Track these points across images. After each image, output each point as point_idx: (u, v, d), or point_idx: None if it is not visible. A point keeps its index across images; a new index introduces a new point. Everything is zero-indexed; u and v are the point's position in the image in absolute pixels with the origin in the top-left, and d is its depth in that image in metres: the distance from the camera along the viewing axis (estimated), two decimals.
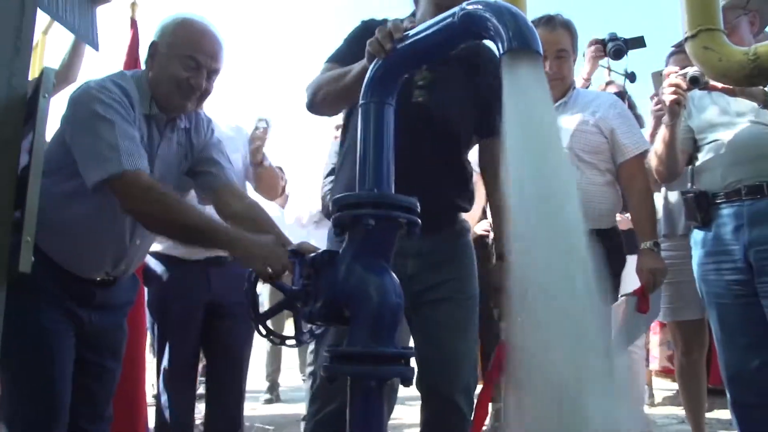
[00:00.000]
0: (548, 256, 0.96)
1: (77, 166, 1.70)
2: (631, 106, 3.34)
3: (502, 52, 1.06)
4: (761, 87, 2.05)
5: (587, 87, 3.35)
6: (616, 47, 3.22)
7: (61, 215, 1.74)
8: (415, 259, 1.85)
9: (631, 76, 3.41)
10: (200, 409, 2.64)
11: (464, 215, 2.04)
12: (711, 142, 2.37)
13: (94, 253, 1.81)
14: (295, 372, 6.08)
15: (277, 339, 1.54)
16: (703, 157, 2.40)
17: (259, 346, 4.40)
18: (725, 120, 2.35)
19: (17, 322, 1.65)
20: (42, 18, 2.77)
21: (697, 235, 2.42)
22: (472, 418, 1.91)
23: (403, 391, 2.00)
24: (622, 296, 2.45)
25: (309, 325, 1.49)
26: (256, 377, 4.23)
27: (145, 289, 2.56)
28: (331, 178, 3.14)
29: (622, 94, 3.30)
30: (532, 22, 1.79)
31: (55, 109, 1.66)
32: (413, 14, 1.97)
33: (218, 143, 2.00)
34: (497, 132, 2.02)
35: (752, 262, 2.22)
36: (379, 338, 1.18)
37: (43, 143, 1.47)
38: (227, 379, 2.55)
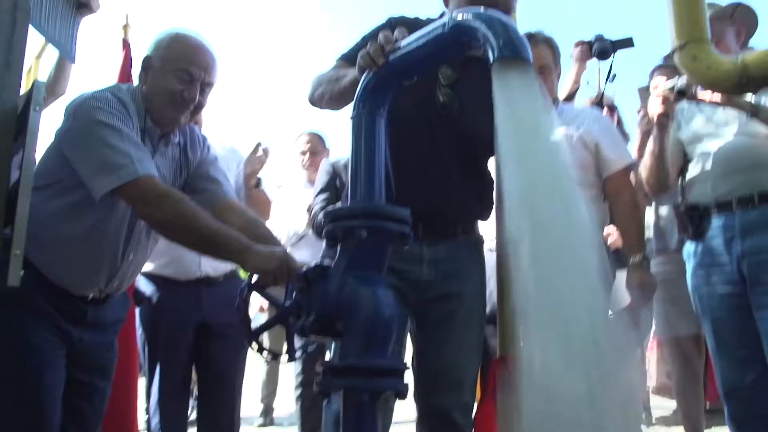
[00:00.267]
0: (550, 264, 0.95)
1: (72, 180, 1.68)
2: (620, 122, 3.35)
3: (492, 60, 1.07)
4: (748, 97, 2.07)
5: (577, 89, 3.31)
6: (601, 48, 3.15)
7: (54, 230, 1.72)
8: (431, 267, 1.84)
9: (611, 77, 3.34)
10: None
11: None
12: (699, 153, 2.37)
13: (87, 269, 1.79)
14: (293, 396, 5.99)
15: (269, 355, 1.52)
16: (692, 169, 2.40)
17: (256, 369, 4.36)
18: (711, 130, 2.36)
19: (5, 338, 1.63)
20: (35, 42, 2.78)
21: (689, 248, 2.42)
22: None
23: (399, 413, 1.98)
24: (611, 313, 2.44)
25: (302, 341, 1.48)
26: (252, 401, 4.17)
27: (137, 309, 2.54)
28: (323, 195, 3.14)
29: (612, 109, 3.30)
30: None
31: (44, 123, 1.65)
32: (442, 15, 1.92)
33: (215, 160, 1.99)
34: None
35: (745, 273, 2.22)
36: (372, 351, 1.17)
37: (34, 157, 1.46)
38: (219, 401, 2.53)
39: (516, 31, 1.10)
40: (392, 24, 1.76)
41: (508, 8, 1.78)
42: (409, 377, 1.26)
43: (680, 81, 2.20)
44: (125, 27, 3.08)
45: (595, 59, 3.28)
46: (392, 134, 1.78)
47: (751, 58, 1.52)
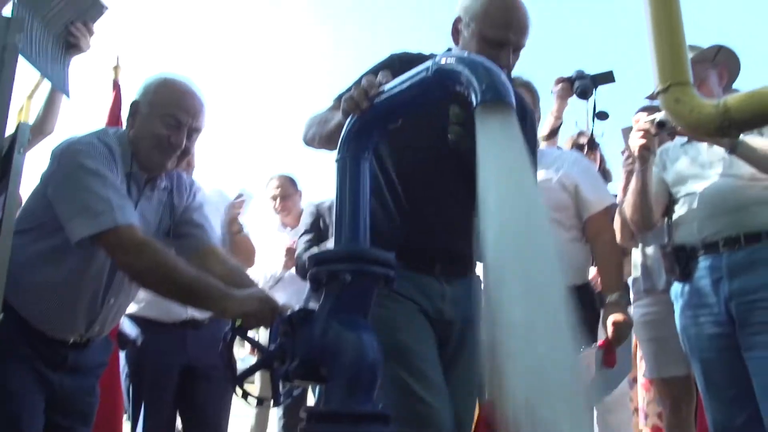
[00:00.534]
0: (526, 312, 0.95)
1: (54, 224, 1.67)
2: (602, 160, 3.37)
3: (475, 104, 1.07)
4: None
5: (560, 125, 3.30)
6: (582, 87, 3.12)
7: (36, 274, 1.71)
8: (452, 306, 1.81)
9: (601, 115, 3.27)
10: None
11: None
12: (685, 195, 2.39)
13: (67, 314, 1.77)
14: None
15: (254, 400, 1.50)
16: (678, 210, 2.41)
17: (246, 413, 4.28)
18: (696, 171, 2.37)
19: None
20: (27, 81, 2.80)
21: (677, 289, 2.42)
22: None
23: None
24: (583, 349, 2.43)
25: (287, 385, 1.46)
26: None
27: (121, 352, 2.51)
28: (307, 237, 3.14)
29: (593, 144, 3.31)
30: None
31: (30, 163, 1.64)
32: (449, 50, 1.93)
33: (200, 207, 1.99)
34: None
35: (733, 314, 2.21)
36: (356, 397, 1.15)
37: (17, 199, 1.45)
38: None
39: (499, 75, 1.11)
40: (395, 60, 1.77)
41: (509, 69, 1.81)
42: None
43: (661, 114, 2.23)
44: (116, 68, 3.10)
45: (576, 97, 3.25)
46: (406, 171, 1.79)
47: (733, 101, 1.53)
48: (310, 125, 1.86)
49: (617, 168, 3.24)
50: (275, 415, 4.12)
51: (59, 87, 2.24)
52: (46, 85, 2.59)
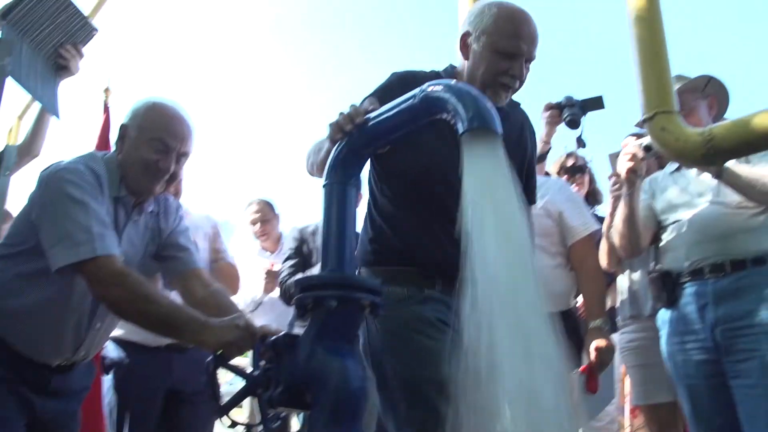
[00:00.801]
0: (510, 339, 0.95)
1: (40, 247, 1.66)
2: (592, 180, 3.38)
3: (461, 132, 1.08)
4: None
5: (548, 150, 3.28)
6: (570, 117, 3.06)
7: (20, 297, 1.70)
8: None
9: (580, 142, 3.20)
10: None
11: None
12: (673, 222, 2.40)
13: (53, 338, 1.75)
14: None
15: (241, 428, 1.48)
16: (666, 237, 2.43)
17: None
18: (686, 200, 2.39)
19: None
20: (18, 102, 2.80)
21: (663, 315, 2.43)
22: None
23: None
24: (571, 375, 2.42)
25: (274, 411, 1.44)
26: None
27: (103, 377, 2.47)
28: (291, 262, 3.13)
29: (583, 168, 3.32)
30: None
31: (17, 183, 1.64)
32: (451, 66, 1.93)
33: (186, 230, 1.99)
34: (533, 200, 2.02)
35: (719, 341, 2.22)
36: (341, 424, 1.14)
37: (3, 218, 1.45)
38: None
39: (485, 103, 1.12)
40: (397, 79, 1.78)
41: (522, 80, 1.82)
42: None
43: (648, 138, 2.24)
44: (106, 91, 3.11)
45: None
46: (410, 190, 1.77)
47: (718, 129, 1.54)
48: (308, 155, 1.86)
49: (606, 192, 3.23)
50: None
51: (49, 108, 2.24)
52: (36, 106, 2.59)
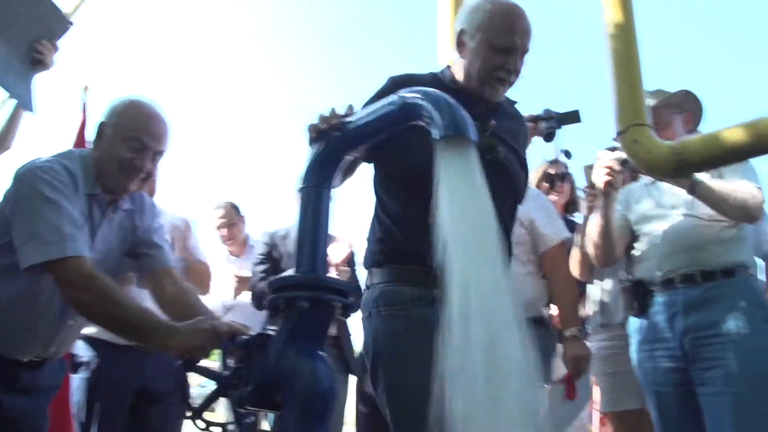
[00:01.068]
0: (482, 343, 0.96)
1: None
2: (573, 188, 3.41)
3: (437, 138, 1.09)
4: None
5: None
6: (548, 130, 3.07)
7: None
8: None
9: (566, 154, 3.22)
10: None
11: None
12: (646, 233, 2.44)
13: (24, 333, 1.74)
14: None
15: (217, 429, 1.48)
16: (639, 247, 2.46)
17: None
18: (659, 212, 2.43)
19: None
20: None
21: (634, 324, 2.46)
22: None
23: None
24: (547, 384, 2.45)
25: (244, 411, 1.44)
26: None
27: (72, 376, 2.45)
28: (262, 267, 3.12)
29: (564, 176, 3.34)
30: None
31: None
32: (448, 66, 1.92)
33: (160, 228, 1.99)
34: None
35: (687, 350, 2.25)
36: (310, 424, 1.15)
37: None
38: None
39: (461, 111, 1.13)
40: (395, 83, 1.76)
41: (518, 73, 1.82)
42: None
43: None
44: (85, 89, 3.09)
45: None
46: (415, 190, 1.66)
47: (688, 143, 1.59)
48: None
49: None
50: None
51: (24, 104, 2.23)
52: (12, 101, 2.58)
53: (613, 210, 2.44)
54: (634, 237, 2.52)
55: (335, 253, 3.02)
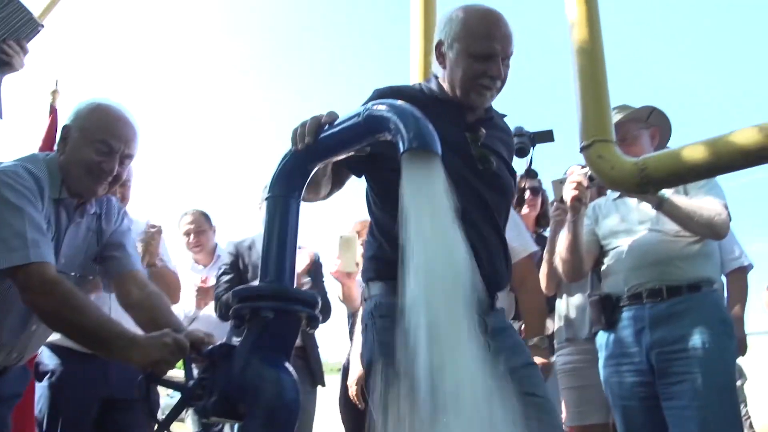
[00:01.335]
0: (444, 356, 0.97)
1: None
2: (544, 201, 3.43)
3: (402, 151, 1.10)
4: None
5: None
6: (519, 145, 2.99)
7: None
8: (492, 339, 1.72)
9: (529, 172, 3.23)
10: None
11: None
12: (614, 248, 2.47)
13: None
14: None
15: None
16: (607, 261, 2.49)
17: None
18: (626, 227, 2.46)
19: None
20: None
21: (601, 338, 2.48)
22: None
23: None
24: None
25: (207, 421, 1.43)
26: None
27: (36, 384, 2.42)
28: (227, 277, 3.09)
29: (537, 190, 3.36)
30: None
31: None
32: (434, 75, 1.90)
33: (127, 230, 1.97)
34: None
35: (654, 364, 2.28)
36: None
37: None
38: None
39: (426, 124, 1.13)
40: (381, 96, 1.73)
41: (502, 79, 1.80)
42: None
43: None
44: (54, 93, 3.06)
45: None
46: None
47: (651, 160, 1.62)
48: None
49: None
50: None
51: None
52: None
53: (582, 225, 2.47)
54: (602, 252, 2.55)
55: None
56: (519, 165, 3.22)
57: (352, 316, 3.16)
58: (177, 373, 1.72)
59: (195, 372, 1.36)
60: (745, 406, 6.51)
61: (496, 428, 0.97)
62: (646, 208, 2.39)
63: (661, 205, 2.27)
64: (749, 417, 6.55)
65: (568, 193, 2.39)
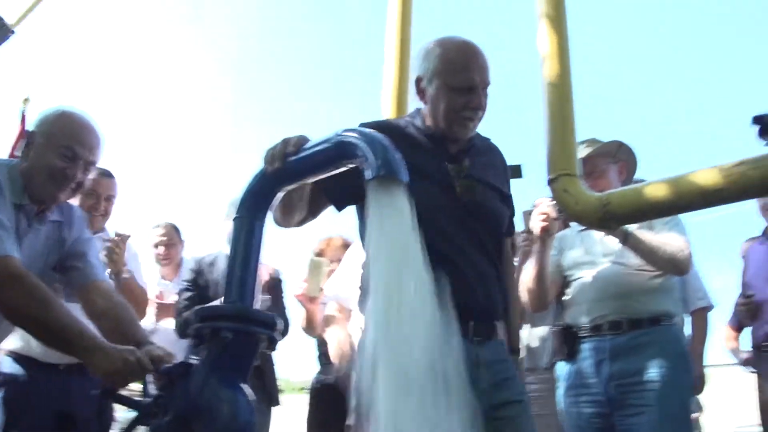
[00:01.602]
0: (407, 380, 0.98)
1: None
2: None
3: (369, 178, 1.11)
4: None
5: None
6: None
7: None
8: (486, 370, 1.70)
9: None
10: None
11: None
12: (577, 279, 2.50)
13: None
14: None
15: None
16: (570, 292, 2.52)
17: None
18: (590, 259, 2.49)
19: None
20: None
21: (561, 368, 2.50)
22: None
23: None
24: None
25: None
26: None
27: None
28: (187, 294, 3.05)
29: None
30: None
31: None
32: (417, 109, 1.90)
33: (90, 239, 1.95)
34: (513, 231, 1.97)
35: (612, 396, 2.30)
36: None
37: None
38: None
39: (394, 153, 1.15)
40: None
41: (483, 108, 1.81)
42: None
43: None
44: (25, 101, 3.04)
45: None
46: (431, 231, 1.70)
47: (614, 196, 1.64)
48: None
49: None
50: None
51: None
52: None
53: (549, 256, 2.49)
54: (566, 282, 2.58)
55: None
56: None
57: (322, 344, 3.13)
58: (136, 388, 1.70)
59: (152, 389, 1.35)
60: None
61: None
62: (610, 241, 2.42)
63: (626, 239, 2.31)
64: None
65: (537, 224, 2.42)
